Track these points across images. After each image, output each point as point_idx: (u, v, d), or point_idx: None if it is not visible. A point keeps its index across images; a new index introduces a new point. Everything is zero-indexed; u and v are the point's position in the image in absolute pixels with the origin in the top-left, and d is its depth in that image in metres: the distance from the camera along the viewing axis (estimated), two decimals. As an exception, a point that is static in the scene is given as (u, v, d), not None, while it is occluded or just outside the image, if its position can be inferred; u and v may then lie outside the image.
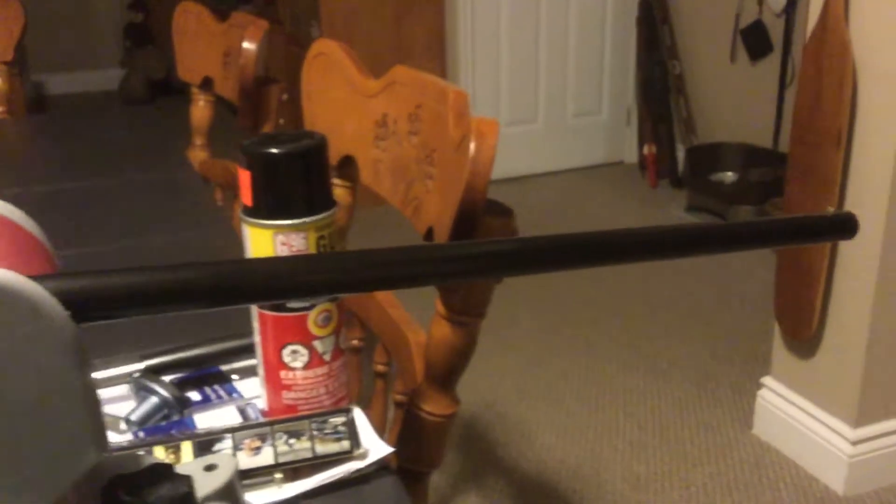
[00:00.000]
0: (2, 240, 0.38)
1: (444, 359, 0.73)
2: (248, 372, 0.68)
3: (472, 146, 0.64)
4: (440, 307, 0.72)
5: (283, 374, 0.60)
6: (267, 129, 1.22)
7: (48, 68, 5.36)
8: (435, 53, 3.31)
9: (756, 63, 3.19)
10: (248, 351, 0.69)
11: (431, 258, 0.46)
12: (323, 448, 0.56)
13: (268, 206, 0.57)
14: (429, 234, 0.80)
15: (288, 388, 0.61)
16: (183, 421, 0.62)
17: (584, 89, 3.64)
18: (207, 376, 0.67)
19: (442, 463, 0.81)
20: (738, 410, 1.92)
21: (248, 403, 0.64)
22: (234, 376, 0.67)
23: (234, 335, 0.70)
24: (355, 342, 1.05)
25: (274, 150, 0.57)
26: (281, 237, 0.58)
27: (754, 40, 3.18)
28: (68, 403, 0.32)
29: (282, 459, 0.54)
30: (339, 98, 1.03)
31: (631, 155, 3.72)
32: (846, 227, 0.55)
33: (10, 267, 0.36)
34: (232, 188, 1.42)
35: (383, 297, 0.96)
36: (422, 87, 0.88)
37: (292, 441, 0.55)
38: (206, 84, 1.53)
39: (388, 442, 0.80)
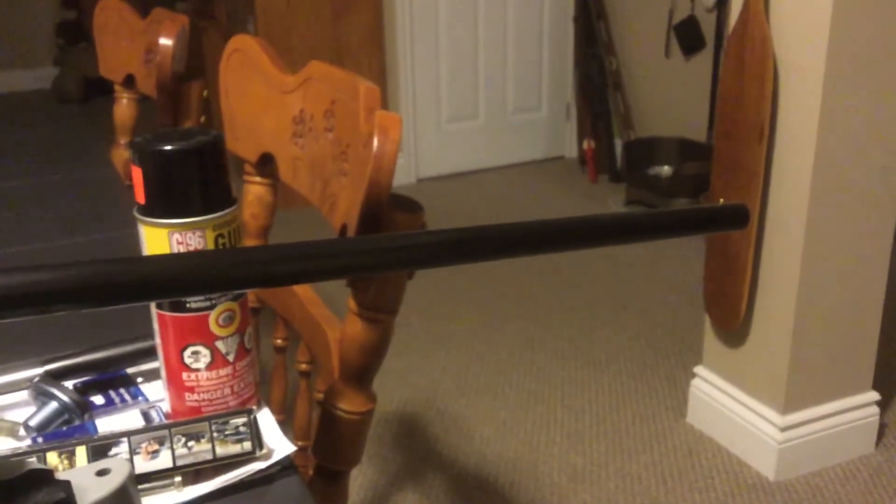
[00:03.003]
0: None
1: (357, 356, 0.72)
2: (155, 375, 0.67)
3: (375, 141, 0.64)
4: (352, 304, 0.72)
5: (185, 375, 0.59)
6: (189, 125, 1.20)
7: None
8: (373, 50, 3.29)
9: (689, 58, 3.25)
10: (153, 353, 0.67)
11: (320, 253, 0.46)
12: (223, 450, 0.55)
13: (162, 205, 0.56)
14: (343, 231, 0.79)
15: (191, 389, 0.60)
16: (84, 426, 0.60)
17: (524, 85, 3.66)
18: (112, 380, 0.66)
19: (361, 461, 0.80)
20: (673, 400, 1.95)
21: (151, 406, 0.63)
22: (139, 379, 0.66)
23: (139, 337, 0.68)
24: (279, 342, 1.04)
25: (165, 147, 0.56)
26: (177, 236, 0.56)
27: (687, 36, 3.23)
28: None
29: (180, 462, 0.54)
30: (257, 94, 1.02)
31: (571, 150, 3.75)
32: (738, 217, 0.56)
33: None
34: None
35: (305, 295, 0.95)
36: (336, 83, 0.87)
37: (191, 444, 0.54)
38: (129, 81, 1.50)
39: (314, 441, 0.79)
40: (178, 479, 0.53)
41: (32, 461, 0.46)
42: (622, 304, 2.43)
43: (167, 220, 0.56)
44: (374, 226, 0.65)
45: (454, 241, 0.50)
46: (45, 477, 0.40)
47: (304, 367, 0.98)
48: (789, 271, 1.58)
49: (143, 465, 0.53)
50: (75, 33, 5.19)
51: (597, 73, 3.52)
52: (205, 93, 1.16)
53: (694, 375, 1.86)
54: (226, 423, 0.55)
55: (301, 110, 0.94)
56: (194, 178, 0.57)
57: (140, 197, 0.57)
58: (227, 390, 0.61)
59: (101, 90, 5.05)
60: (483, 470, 1.73)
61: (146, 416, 0.62)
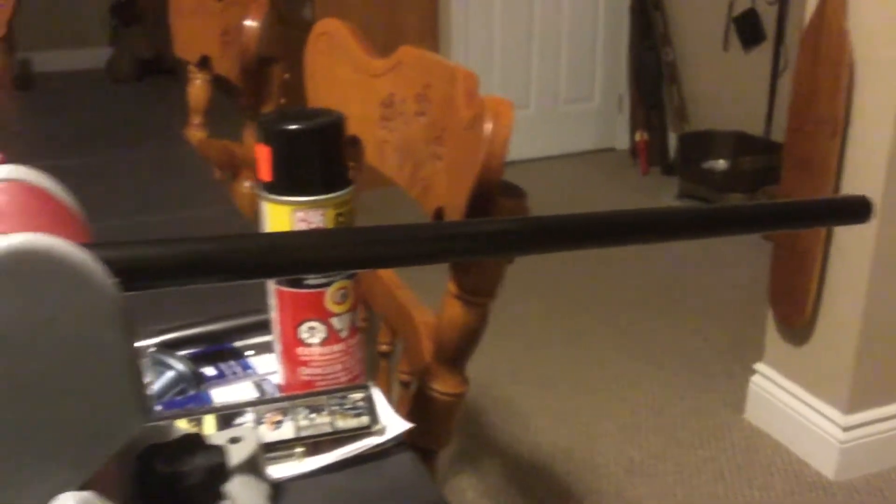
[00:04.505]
0: (42, 210, 0.38)
1: (454, 338, 0.73)
2: (263, 348, 0.68)
3: (489, 126, 0.64)
4: (452, 287, 0.72)
5: (299, 350, 0.61)
6: (268, 108, 1.22)
7: (34, 46, 5.29)
8: (428, 37, 3.29)
9: (749, 51, 3.20)
10: (262, 327, 0.69)
11: (453, 234, 0.46)
12: (343, 423, 0.56)
13: (287, 183, 0.57)
14: (438, 214, 0.80)
15: (305, 363, 0.61)
16: (199, 395, 0.62)
17: (577, 75, 3.64)
18: (222, 352, 0.67)
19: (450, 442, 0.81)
20: (730, 395, 1.94)
21: (263, 379, 0.64)
22: (248, 352, 0.68)
23: (248, 311, 0.70)
24: (360, 323, 1.05)
25: (295, 126, 0.57)
26: (300, 214, 0.58)
27: (747, 28, 3.18)
28: (115, 371, 0.32)
29: (302, 434, 0.55)
30: (344, 78, 1.03)
31: (622, 142, 3.72)
32: (860, 210, 0.56)
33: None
34: (230, 167, 1.41)
35: (389, 278, 0.96)
36: (430, 68, 0.88)
37: (312, 416, 0.55)
38: (204, 63, 1.52)
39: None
40: (299, 449, 0.55)
41: (173, 427, 0.48)
42: (676, 298, 2.41)
43: (292, 197, 0.57)
44: (483, 210, 0.66)
45: (575, 227, 0.50)
46: (199, 442, 0.41)
47: (384, 347, 0.99)
48: (859, 269, 1.56)
49: (267, 434, 0.54)
50: (130, 14, 5.26)
51: (652, 64, 3.49)
52: (286, 75, 1.17)
53: (753, 372, 1.85)
54: (344, 397, 0.57)
55: (390, 94, 0.95)
56: (318, 157, 0.58)
57: (265, 175, 0.58)
58: (339, 366, 0.62)
59: (153, 71, 5.13)
60: (538, 458, 1.73)
61: (259, 387, 0.63)
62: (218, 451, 0.41)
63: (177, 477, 0.39)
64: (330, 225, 0.58)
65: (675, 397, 1.94)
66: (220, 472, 0.40)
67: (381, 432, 0.57)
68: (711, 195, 3.01)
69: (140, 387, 0.33)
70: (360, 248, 0.42)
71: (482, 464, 1.72)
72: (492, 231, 0.48)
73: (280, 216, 0.58)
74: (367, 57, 1.00)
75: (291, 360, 0.61)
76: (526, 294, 2.44)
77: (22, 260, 0.30)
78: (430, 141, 0.84)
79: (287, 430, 0.55)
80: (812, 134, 1.57)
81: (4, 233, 0.37)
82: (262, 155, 0.58)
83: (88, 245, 0.31)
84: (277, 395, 0.62)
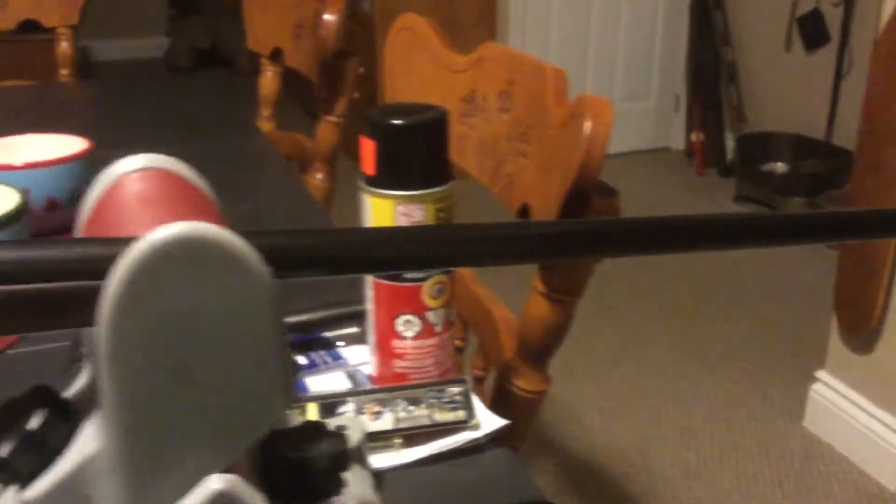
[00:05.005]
0: (183, 196, 0.39)
1: (538, 336, 0.73)
2: (353, 339, 0.69)
3: (588, 125, 0.64)
4: (539, 284, 0.72)
5: (394, 342, 0.61)
6: (342, 102, 1.23)
7: (93, 34, 5.40)
8: (485, 33, 3.29)
9: (811, 52, 3.14)
10: (351, 319, 0.70)
11: (566, 233, 0.46)
12: (440, 416, 0.56)
13: (390, 177, 0.58)
14: (523, 210, 0.80)
15: (399, 356, 0.62)
16: (294, 384, 0.63)
17: (633, 73, 3.60)
18: (312, 342, 0.68)
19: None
20: (788, 402, 1.91)
21: (356, 369, 0.65)
22: (339, 343, 0.68)
23: (336, 303, 0.70)
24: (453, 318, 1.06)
25: (400, 121, 0.57)
26: (402, 208, 0.58)
27: (811, 29, 3.12)
28: (265, 356, 0.33)
29: (401, 425, 0.55)
30: (423, 73, 1.04)
31: (678, 141, 3.68)
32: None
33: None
34: (300, 160, 1.43)
35: (464, 272, 0.97)
36: (514, 65, 0.88)
37: (411, 408, 0.56)
38: (275, 55, 1.54)
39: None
40: (398, 440, 0.55)
41: (289, 414, 0.48)
42: (732, 301, 2.38)
43: (395, 191, 0.58)
44: (577, 209, 0.66)
45: (678, 230, 0.50)
46: (321, 429, 0.42)
47: (458, 342, 1.00)
48: (931, 278, 1.52)
49: (367, 424, 0.55)
50: (188, 4, 5.34)
51: (711, 63, 3.44)
52: (361, 69, 1.18)
53: (814, 379, 1.82)
54: (442, 390, 0.57)
55: (471, 90, 0.95)
56: (422, 153, 0.58)
57: (369, 168, 0.58)
58: (431, 360, 0.62)
59: (209, 61, 5.20)
60: (593, 458, 1.73)
61: (352, 377, 0.64)
62: (340, 438, 0.42)
63: (304, 462, 0.39)
64: (431, 219, 0.59)
65: (732, 402, 1.92)
66: (343, 458, 0.41)
67: (476, 427, 0.58)
68: (770, 198, 2.96)
69: (286, 374, 0.34)
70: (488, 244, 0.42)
71: (535, 462, 1.72)
72: (604, 231, 0.48)
73: (382, 210, 0.59)
74: (448, 52, 1.00)
75: (385, 352, 0.62)
76: (579, 293, 2.43)
77: (186, 247, 0.31)
78: (514, 138, 0.84)
79: (386, 421, 0.55)
80: (887, 139, 1.54)
81: (151, 219, 0.39)
82: (368, 149, 0.58)
83: (245, 232, 0.32)
84: (368, 385, 0.63)
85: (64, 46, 1.88)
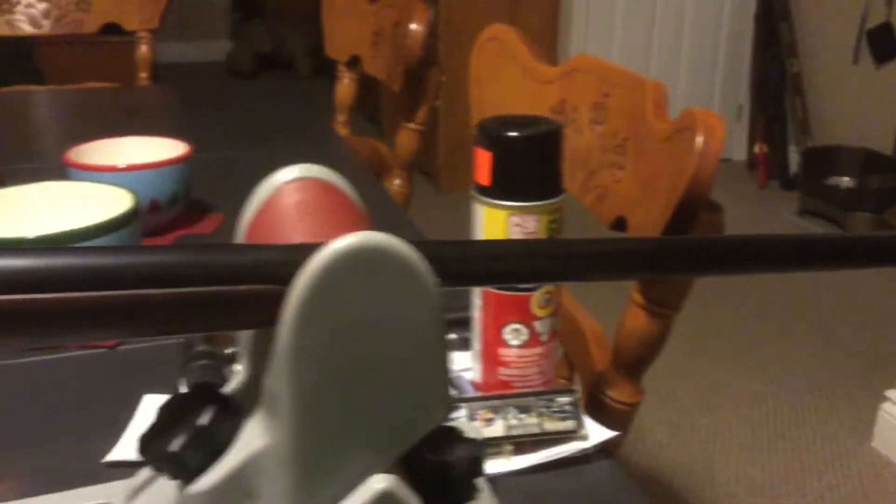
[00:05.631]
0: (340, 205, 0.40)
1: (635, 348, 0.74)
2: (452, 346, 0.70)
3: (700, 140, 0.65)
4: (638, 296, 0.73)
5: (501, 350, 0.62)
6: (424, 110, 1.24)
7: (157, 37, 5.52)
8: (547, 44, 3.29)
9: (881, 66, 3.08)
10: (450, 325, 0.71)
11: (696, 248, 0.47)
12: (550, 425, 0.57)
13: (505, 188, 0.59)
14: (618, 223, 0.81)
15: (504, 364, 0.62)
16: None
17: (695, 84, 3.57)
18: (414, 347, 0.70)
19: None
20: (856, 421, 1.87)
21: (457, 375, 0.66)
22: (440, 349, 0.70)
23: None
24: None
25: (517, 133, 0.58)
26: (515, 218, 0.59)
27: (881, 42, 3.06)
28: (431, 363, 0.34)
29: (512, 432, 0.56)
30: (511, 83, 1.05)
31: (739, 153, 3.64)
32: None
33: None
34: (375, 165, 1.45)
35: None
36: (609, 77, 0.88)
37: (522, 416, 0.57)
38: (353, 62, 1.56)
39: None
40: (508, 448, 0.56)
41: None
42: (799, 317, 2.35)
43: (509, 202, 0.59)
44: (683, 224, 0.66)
45: (801, 248, 0.49)
46: (457, 433, 0.43)
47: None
48: None
49: (481, 431, 0.56)
50: (250, 9, 5.44)
51: (775, 74, 3.40)
52: (443, 78, 1.19)
53: (884, 399, 1.78)
54: (552, 400, 0.58)
55: (561, 101, 0.96)
56: (538, 164, 0.59)
57: (484, 179, 0.60)
58: (535, 369, 0.63)
59: (270, 66, 5.28)
60: (657, 472, 1.72)
61: (454, 384, 0.65)
62: (476, 443, 0.43)
63: (445, 466, 0.40)
64: (543, 231, 0.60)
65: (798, 420, 1.89)
66: (479, 464, 0.42)
67: (584, 438, 0.58)
68: (835, 213, 2.91)
69: (448, 381, 0.35)
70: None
71: (599, 472, 1.71)
72: (721, 248, 0.48)
73: (495, 220, 0.60)
74: (538, 63, 1.01)
75: (491, 360, 0.63)
76: (640, 304, 2.41)
77: (366, 256, 0.32)
78: (608, 150, 0.85)
79: (498, 428, 0.56)
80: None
81: (309, 228, 0.40)
82: (483, 159, 0.59)
83: (415, 242, 0.34)
84: (471, 392, 0.64)
85: (143, 50, 1.93)
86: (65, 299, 0.32)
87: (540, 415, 0.57)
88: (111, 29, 1.97)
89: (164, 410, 0.38)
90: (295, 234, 0.39)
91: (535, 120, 0.61)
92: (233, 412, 0.37)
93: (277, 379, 0.33)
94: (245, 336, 0.40)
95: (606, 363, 0.78)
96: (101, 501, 0.45)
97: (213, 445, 0.36)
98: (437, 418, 0.35)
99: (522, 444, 0.58)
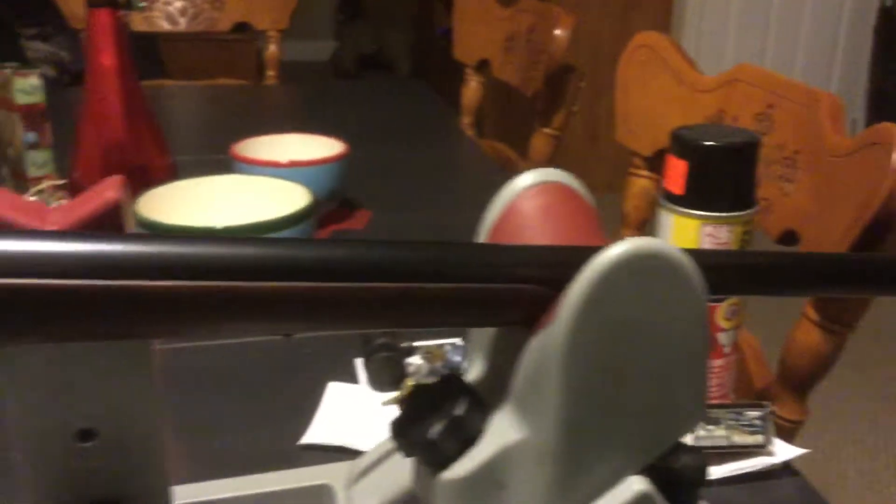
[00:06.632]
0: (582, 210, 0.41)
1: (806, 365, 0.72)
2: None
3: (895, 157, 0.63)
4: (812, 312, 0.71)
5: (681, 360, 0.62)
6: (561, 115, 1.25)
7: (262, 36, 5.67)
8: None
9: None
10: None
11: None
12: (739, 438, 0.57)
13: (699, 197, 0.59)
14: (787, 236, 0.79)
15: (684, 374, 0.62)
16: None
17: (809, 96, 3.47)
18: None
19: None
20: None
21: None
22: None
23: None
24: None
25: (715, 143, 0.58)
26: (709, 228, 0.59)
27: None
28: (693, 370, 0.35)
29: (701, 443, 0.56)
30: (662, 91, 1.04)
31: (853, 169, 3.51)
32: None
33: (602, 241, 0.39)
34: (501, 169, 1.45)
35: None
36: (776, 88, 0.87)
37: (710, 427, 0.57)
38: (481, 66, 1.58)
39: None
40: (696, 459, 0.56)
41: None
42: (918, 341, 2.25)
43: (703, 212, 0.59)
44: (873, 242, 0.65)
45: None
46: (677, 442, 0.43)
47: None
48: None
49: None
50: (354, 10, 5.53)
51: (894, 87, 3.27)
52: (582, 84, 1.19)
53: None
54: (741, 413, 0.57)
55: (720, 110, 0.95)
56: (734, 175, 0.59)
57: (677, 187, 0.60)
58: (716, 381, 0.63)
59: (372, 67, 5.36)
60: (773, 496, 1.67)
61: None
62: (699, 452, 0.43)
63: (672, 473, 0.41)
64: (735, 243, 0.59)
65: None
66: (704, 472, 0.42)
67: (772, 453, 0.58)
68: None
69: (706, 389, 0.35)
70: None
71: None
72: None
73: (686, 229, 0.60)
74: (693, 71, 1.00)
75: (670, 369, 0.63)
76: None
77: (641, 261, 0.33)
78: (775, 162, 0.83)
79: (685, 438, 0.56)
80: None
81: (553, 231, 0.41)
82: (677, 168, 0.59)
83: (686, 250, 0.34)
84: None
85: (272, 49, 1.99)
86: (336, 289, 0.34)
87: (728, 427, 0.57)
88: (242, 28, 2.04)
89: (414, 399, 0.39)
90: (540, 238, 0.40)
91: (732, 130, 0.60)
92: (480, 404, 0.38)
93: (545, 376, 0.34)
94: (482, 333, 0.41)
95: (768, 379, 0.77)
96: (320, 482, 0.47)
97: (466, 435, 0.37)
98: (689, 425, 0.36)
99: (711, 455, 0.57)
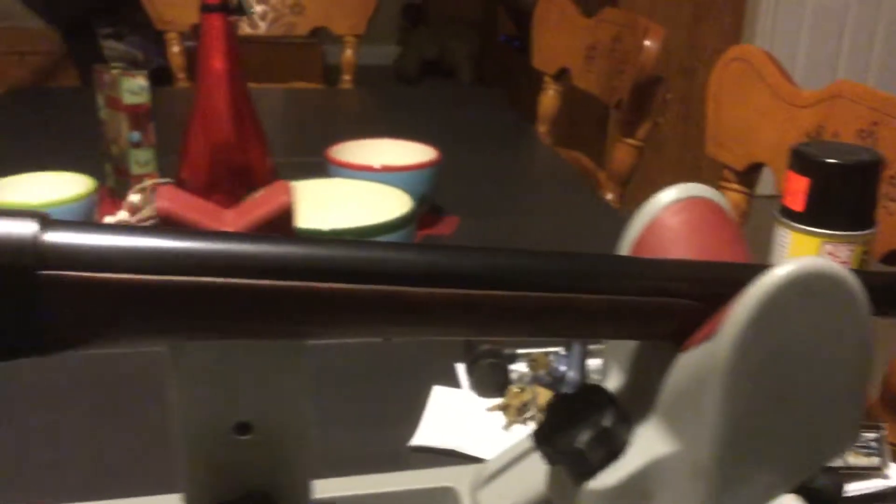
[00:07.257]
0: (727, 225, 0.41)
1: (912, 388, 0.71)
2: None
3: None
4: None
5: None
6: (646, 126, 1.24)
7: (329, 39, 5.74)
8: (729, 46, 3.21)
9: None
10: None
11: None
12: (854, 460, 0.56)
13: (821, 215, 0.58)
14: (890, 257, 0.78)
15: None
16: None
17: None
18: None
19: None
20: None
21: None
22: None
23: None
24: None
25: (839, 161, 0.58)
26: (829, 247, 0.58)
27: None
28: (852, 392, 0.35)
29: (817, 464, 0.56)
30: (756, 105, 1.03)
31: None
32: None
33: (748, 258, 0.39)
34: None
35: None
36: (881, 105, 0.86)
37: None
38: (560, 75, 1.58)
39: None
40: (811, 479, 0.56)
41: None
42: None
43: (824, 230, 0.58)
44: None
45: None
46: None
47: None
48: None
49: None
50: (418, 16, 5.58)
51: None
52: (668, 95, 1.19)
53: None
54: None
55: (819, 126, 0.94)
56: (857, 194, 0.58)
57: (798, 204, 0.59)
58: (826, 400, 0.62)
59: (433, 72, 5.39)
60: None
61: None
62: (837, 472, 0.43)
63: (812, 493, 0.41)
64: (855, 262, 0.59)
65: None
66: (841, 492, 0.42)
67: (887, 476, 0.57)
68: None
69: (863, 413, 0.35)
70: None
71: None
72: None
73: (805, 247, 0.59)
74: (791, 86, 0.99)
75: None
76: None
77: (811, 281, 0.33)
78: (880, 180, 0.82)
79: (802, 458, 0.56)
80: None
81: (699, 247, 0.41)
82: (797, 185, 0.59)
83: (853, 271, 0.34)
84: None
85: (349, 54, 2.02)
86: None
87: (845, 448, 0.56)
88: (320, 33, 2.07)
89: (557, 408, 0.40)
90: (686, 253, 0.40)
91: (852, 147, 0.60)
92: (625, 415, 0.39)
93: (703, 393, 0.34)
94: (623, 345, 0.42)
95: (869, 401, 0.76)
96: (444, 484, 0.48)
97: (612, 446, 0.38)
98: (842, 448, 0.35)
99: (844, 476, 0.57)
